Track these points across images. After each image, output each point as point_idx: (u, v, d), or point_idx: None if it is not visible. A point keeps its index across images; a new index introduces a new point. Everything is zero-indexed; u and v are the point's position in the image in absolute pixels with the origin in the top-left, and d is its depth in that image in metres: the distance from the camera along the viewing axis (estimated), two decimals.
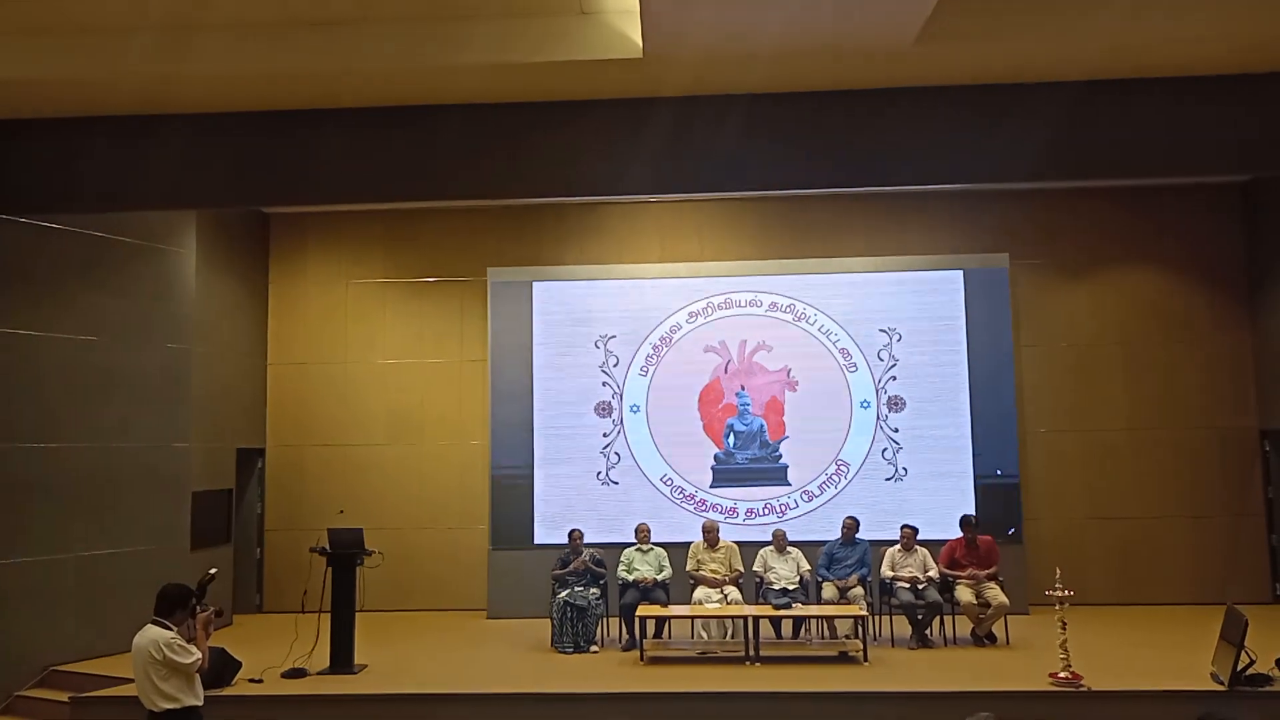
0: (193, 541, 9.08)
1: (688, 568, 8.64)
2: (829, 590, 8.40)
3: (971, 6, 6.35)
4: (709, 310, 10.40)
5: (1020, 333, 10.38)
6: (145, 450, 8.72)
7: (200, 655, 4.92)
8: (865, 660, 7.52)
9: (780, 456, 10.18)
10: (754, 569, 8.61)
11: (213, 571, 5.50)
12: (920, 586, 8.30)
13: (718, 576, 8.49)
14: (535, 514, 10.15)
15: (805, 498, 10.10)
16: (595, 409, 10.34)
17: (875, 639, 8.21)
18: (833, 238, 10.59)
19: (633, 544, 8.80)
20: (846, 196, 10.31)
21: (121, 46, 6.70)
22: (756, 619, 7.75)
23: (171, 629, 4.91)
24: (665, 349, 10.39)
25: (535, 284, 10.47)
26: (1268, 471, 10.07)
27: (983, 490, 9.91)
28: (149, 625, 4.92)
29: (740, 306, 10.39)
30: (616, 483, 10.23)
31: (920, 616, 8.19)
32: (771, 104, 7.29)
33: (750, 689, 6.84)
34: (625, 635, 8.37)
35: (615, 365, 10.39)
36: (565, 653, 8.07)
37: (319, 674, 7.40)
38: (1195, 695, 6.35)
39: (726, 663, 7.64)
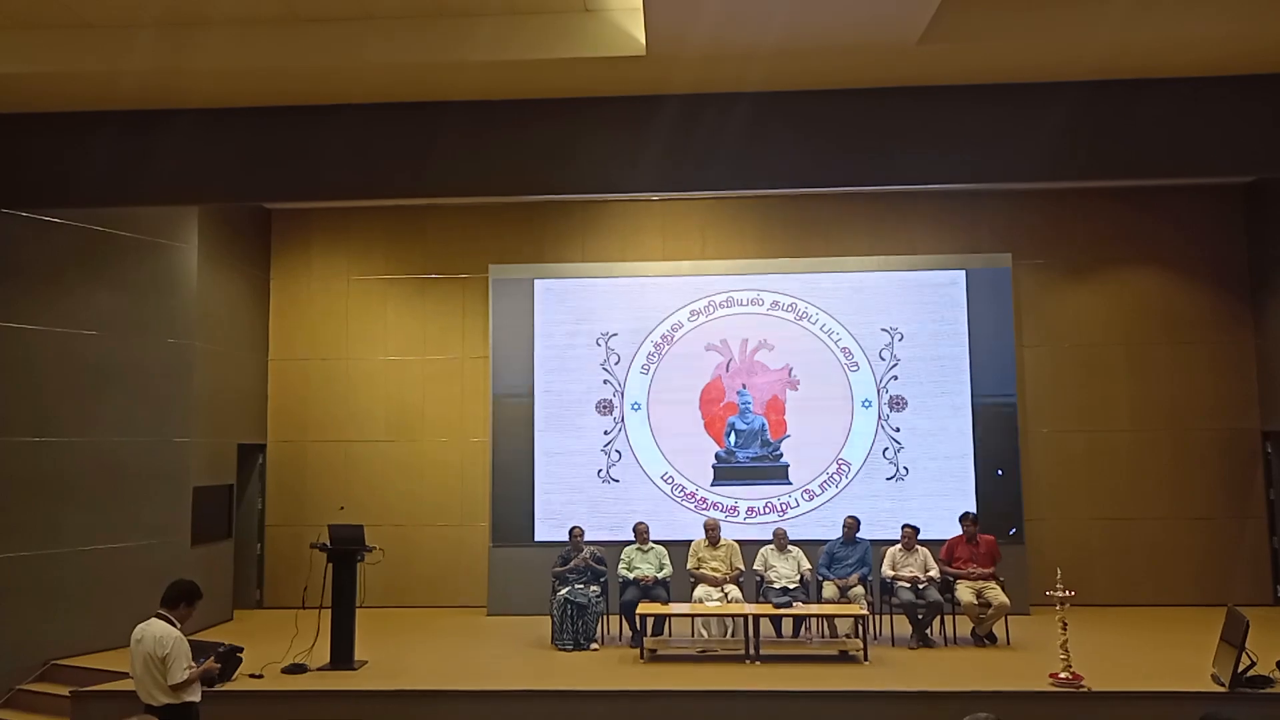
0: (193, 537, 9.08)
1: (688, 566, 8.64)
2: (829, 589, 8.39)
3: (975, 6, 6.35)
4: (710, 308, 10.40)
5: (1023, 333, 10.37)
6: (146, 445, 8.73)
7: (190, 678, 4.89)
8: (865, 659, 7.52)
9: (781, 455, 10.18)
10: (755, 567, 8.61)
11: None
12: (921, 586, 8.29)
13: (718, 575, 8.48)
14: (536, 511, 10.15)
15: (806, 497, 10.09)
16: (596, 407, 10.34)
17: (875, 638, 8.21)
18: (835, 237, 10.58)
19: (633, 542, 8.80)
20: (849, 195, 10.31)
21: (125, 42, 6.71)
22: (757, 618, 7.74)
23: (176, 625, 4.92)
24: (667, 347, 10.38)
25: (537, 281, 10.47)
26: (1269, 473, 10.06)
27: (984, 490, 9.91)
28: (153, 619, 4.93)
29: (742, 305, 10.39)
30: (617, 480, 10.22)
31: (921, 616, 8.18)
32: (775, 102, 7.29)
33: (750, 687, 6.83)
34: (626, 633, 8.37)
35: (617, 363, 10.38)
36: (565, 650, 8.07)
37: (319, 670, 7.40)
38: (1196, 697, 6.33)
39: (727, 661, 7.63)
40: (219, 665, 5.32)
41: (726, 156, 7.35)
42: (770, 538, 8.76)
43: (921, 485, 10.01)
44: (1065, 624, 6.72)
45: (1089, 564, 9.86)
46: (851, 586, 8.32)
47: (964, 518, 8.64)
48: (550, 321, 10.43)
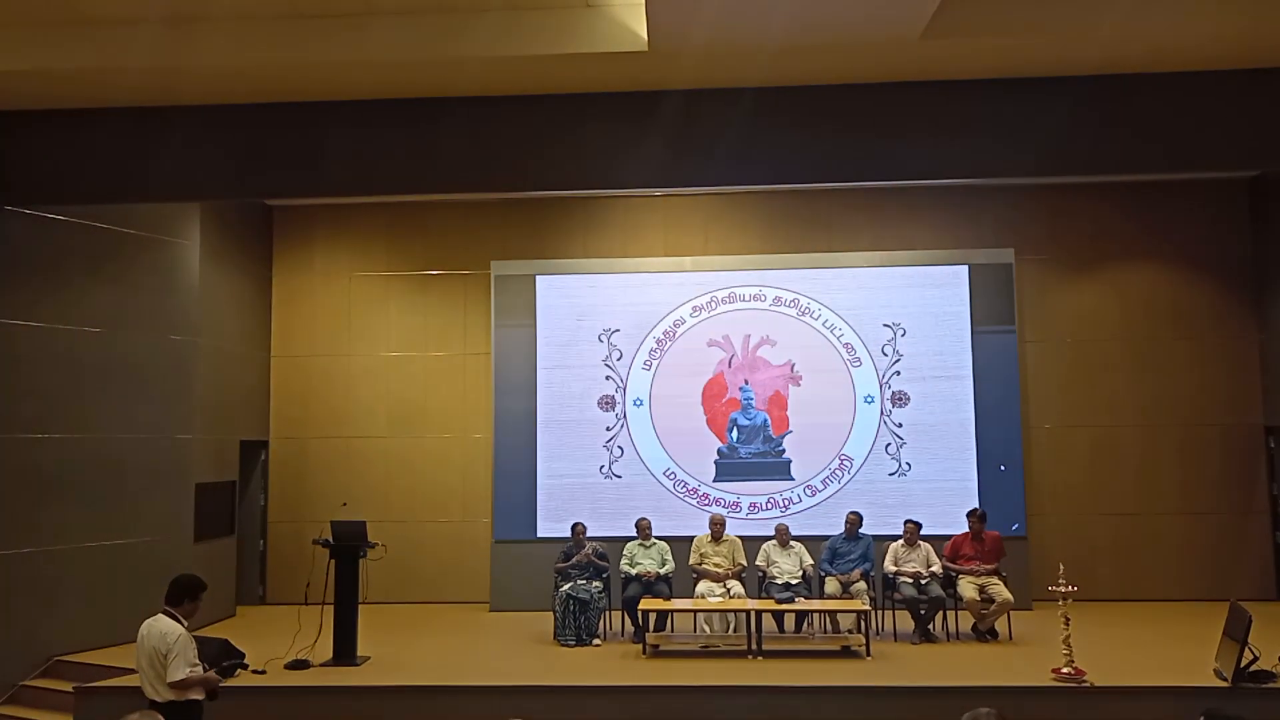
0: (196, 533, 9.09)
1: (691, 561, 8.64)
2: (831, 585, 8.39)
3: (977, 1, 6.33)
4: (713, 304, 10.39)
5: (1025, 328, 10.35)
6: (149, 442, 8.73)
7: (188, 680, 4.85)
8: (868, 655, 7.52)
9: (783, 451, 10.17)
10: (757, 563, 8.61)
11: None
12: (923, 581, 8.29)
13: (721, 570, 8.49)
14: (538, 507, 10.15)
15: (808, 492, 10.09)
16: (599, 403, 10.33)
17: (878, 634, 8.20)
18: (837, 232, 10.57)
19: (635, 538, 8.81)
20: (851, 191, 10.27)
21: (127, 39, 6.71)
22: (759, 613, 7.74)
23: (182, 621, 4.92)
24: (669, 343, 10.37)
25: (539, 277, 10.46)
26: (1273, 468, 10.05)
27: (986, 485, 9.89)
28: (160, 615, 4.93)
29: (744, 301, 10.38)
30: (619, 476, 10.22)
31: (923, 611, 8.18)
32: (777, 98, 7.29)
33: (752, 683, 6.83)
34: (628, 628, 8.38)
35: (619, 359, 10.38)
36: (567, 646, 8.07)
37: (322, 665, 7.41)
38: (1198, 692, 6.33)
39: (729, 656, 7.64)
40: (220, 678, 5.34)
41: (729, 152, 7.35)
42: (772, 533, 8.76)
43: (924, 481, 10.00)
44: (1068, 619, 6.72)
45: (1091, 559, 9.85)
46: (854, 582, 8.31)
47: (971, 514, 8.64)
48: (552, 317, 10.42)
